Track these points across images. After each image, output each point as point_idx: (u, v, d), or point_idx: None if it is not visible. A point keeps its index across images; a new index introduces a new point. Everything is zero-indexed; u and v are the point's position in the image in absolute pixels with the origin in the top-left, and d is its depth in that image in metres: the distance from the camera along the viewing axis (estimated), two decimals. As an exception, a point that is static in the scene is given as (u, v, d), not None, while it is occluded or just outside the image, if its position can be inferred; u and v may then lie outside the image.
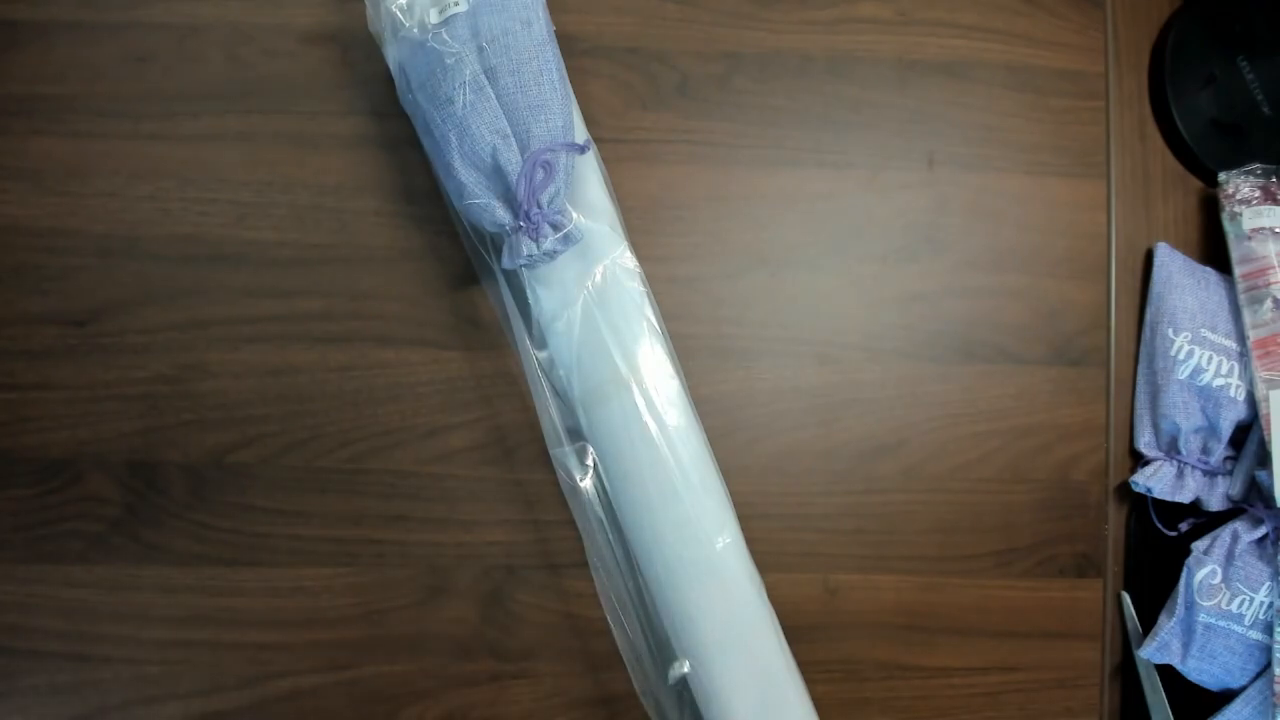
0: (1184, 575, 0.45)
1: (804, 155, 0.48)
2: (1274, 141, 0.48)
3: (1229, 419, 0.45)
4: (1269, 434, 0.44)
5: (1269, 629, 0.43)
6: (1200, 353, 0.46)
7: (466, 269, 0.45)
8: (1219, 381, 0.45)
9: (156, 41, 0.45)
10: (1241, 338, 0.46)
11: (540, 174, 0.39)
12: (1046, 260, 0.48)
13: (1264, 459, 0.44)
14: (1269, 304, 0.45)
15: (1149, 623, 0.46)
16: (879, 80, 0.48)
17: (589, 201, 0.42)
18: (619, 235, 0.42)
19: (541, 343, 0.42)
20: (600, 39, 0.47)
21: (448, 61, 0.39)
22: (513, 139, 0.39)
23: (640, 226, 0.46)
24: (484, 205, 0.39)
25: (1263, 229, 0.46)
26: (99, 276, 0.45)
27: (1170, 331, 0.46)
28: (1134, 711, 0.47)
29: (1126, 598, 0.47)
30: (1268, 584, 0.44)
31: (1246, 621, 0.44)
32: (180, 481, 0.44)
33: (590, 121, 0.45)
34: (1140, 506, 0.48)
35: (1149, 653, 0.45)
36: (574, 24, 0.47)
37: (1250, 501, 0.45)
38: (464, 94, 0.38)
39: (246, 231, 0.45)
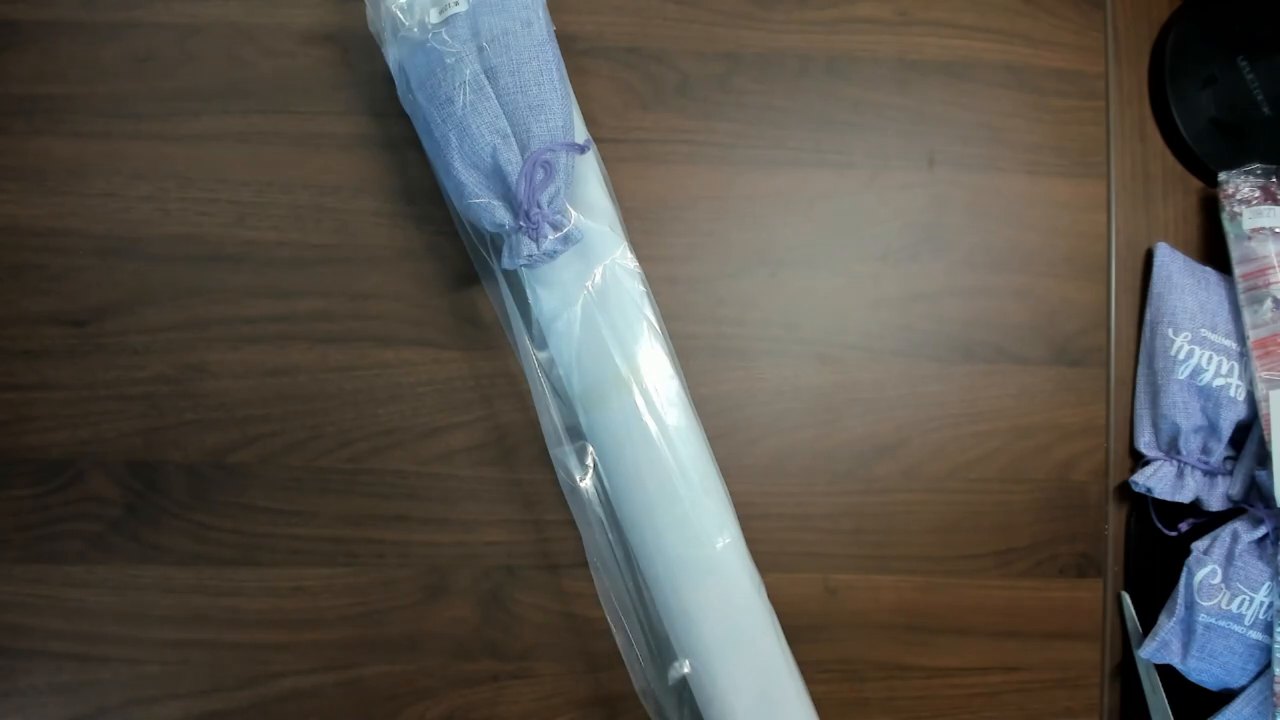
0: (1184, 575, 0.45)
1: (804, 155, 0.48)
2: (1274, 141, 0.48)
3: (1229, 419, 0.45)
4: (1269, 434, 0.44)
5: (1269, 629, 0.43)
6: (1200, 353, 0.46)
7: (466, 269, 0.45)
8: (1219, 381, 0.45)
9: (157, 41, 0.45)
10: (1241, 338, 0.46)
11: (540, 174, 0.39)
12: (1046, 260, 0.48)
13: (1264, 459, 0.44)
14: (1269, 304, 0.45)
15: (1149, 623, 0.46)
16: (879, 80, 0.48)
17: (589, 201, 0.42)
18: (619, 235, 0.42)
19: (541, 343, 0.42)
20: (600, 39, 0.47)
21: (448, 61, 0.39)
22: (513, 139, 0.39)
23: (640, 226, 0.46)
24: (484, 205, 0.39)
25: (1263, 229, 0.46)
26: (99, 276, 0.45)
27: (1170, 331, 0.46)
28: (1134, 711, 0.47)
29: (1126, 598, 0.47)
30: (1268, 584, 0.44)
31: (1246, 621, 0.44)
32: (180, 481, 0.44)
33: (590, 121, 0.45)
34: (1140, 506, 0.48)
35: (1149, 653, 0.45)
36: (574, 24, 0.47)
37: (1250, 501, 0.45)
38: (464, 94, 0.39)
39: (246, 231, 0.45)
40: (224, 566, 0.44)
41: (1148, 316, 0.48)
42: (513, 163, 0.39)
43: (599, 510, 0.41)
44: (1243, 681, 0.44)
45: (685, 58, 0.47)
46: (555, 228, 0.39)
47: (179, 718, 0.44)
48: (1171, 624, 0.45)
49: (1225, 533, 0.45)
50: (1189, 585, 0.44)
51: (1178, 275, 0.47)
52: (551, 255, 0.40)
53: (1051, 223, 0.48)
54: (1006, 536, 0.47)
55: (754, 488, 0.46)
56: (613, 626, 0.41)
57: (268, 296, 0.45)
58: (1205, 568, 0.44)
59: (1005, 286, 0.48)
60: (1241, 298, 0.46)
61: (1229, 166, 0.48)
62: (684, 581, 0.41)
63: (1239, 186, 0.47)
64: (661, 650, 0.42)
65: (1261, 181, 0.47)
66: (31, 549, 0.44)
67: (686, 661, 0.40)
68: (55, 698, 0.44)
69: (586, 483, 0.41)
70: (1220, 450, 0.46)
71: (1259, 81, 0.49)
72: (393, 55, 0.41)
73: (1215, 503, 0.46)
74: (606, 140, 0.46)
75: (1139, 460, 0.48)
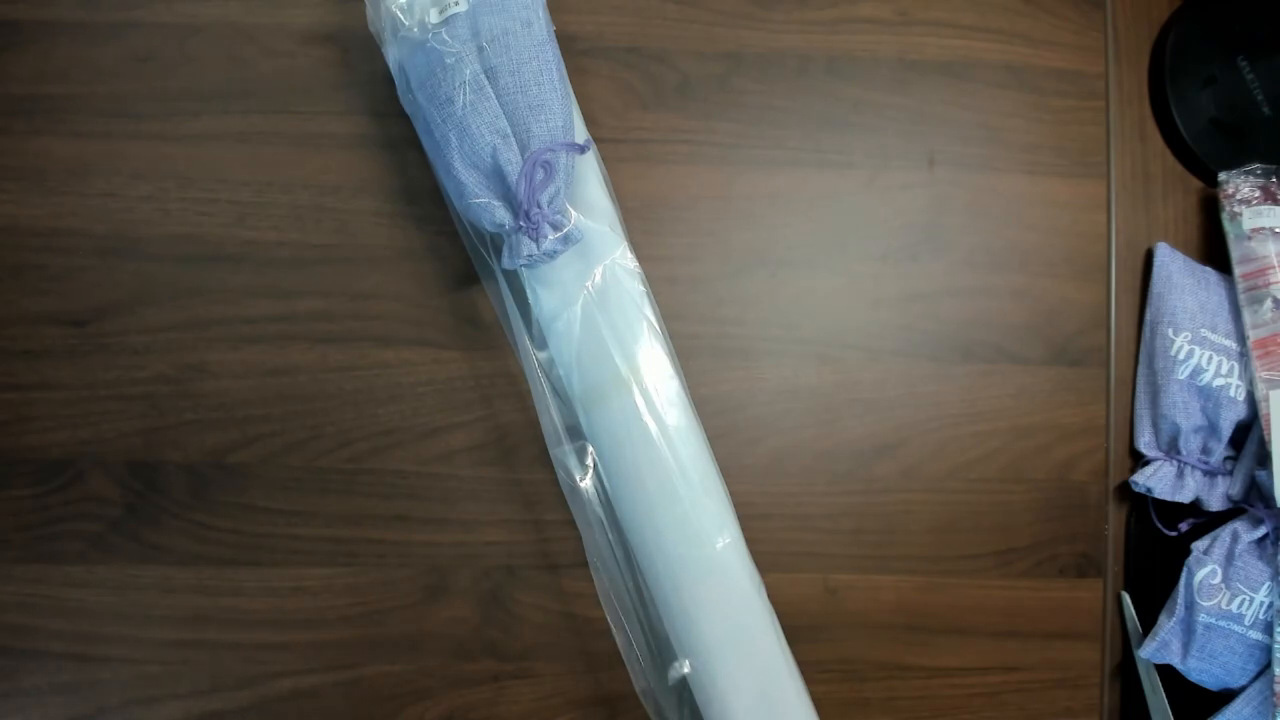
0: (1184, 575, 0.45)
1: (804, 155, 0.48)
2: (1274, 141, 0.48)
3: (1229, 419, 0.45)
4: (1269, 434, 0.44)
5: (1269, 629, 0.43)
6: (1200, 353, 0.46)
7: (466, 269, 0.45)
8: (1219, 381, 0.45)
9: (157, 41, 0.45)
10: (1241, 338, 0.46)
11: (540, 174, 0.39)
12: (1046, 260, 0.48)
13: (1264, 459, 0.44)
14: (1269, 304, 0.45)
15: (1149, 623, 0.46)
16: (879, 80, 0.48)
17: (589, 201, 0.42)
18: (619, 235, 0.42)
19: (541, 343, 0.42)
20: (600, 39, 0.47)
21: (448, 61, 0.39)
22: (513, 139, 0.39)
23: (640, 226, 0.46)
24: (484, 205, 0.39)
25: (1263, 229, 0.46)
26: (99, 276, 0.45)
27: (1170, 331, 0.46)
28: (1134, 711, 0.47)
29: (1126, 598, 0.47)
30: (1268, 584, 0.44)
31: (1246, 621, 0.44)
32: (180, 481, 0.44)
33: (590, 121, 0.45)
34: (1140, 506, 0.48)
35: (1149, 653, 0.45)
36: (574, 24, 0.47)
37: (1250, 501, 0.45)
38: (464, 94, 0.39)
39: (246, 231, 0.45)
40: (224, 566, 0.44)
41: (1148, 316, 0.48)
42: (513, 163, 0.39)
43: (599, 510, 0.41)
44: (1243, 681, 0.44)
45: (685, 58, 0.47)
46: (555, 228, 0.39)
47: (179, 718, 0.44)
48: (1171, 624, 0.45)
49: (1225, 533, 0.45)
50: (1189, 585, 0.44)
51: (1178, 275, 0.47)
52: (551, 255, 0.40)
53: (1051, 223, 0.48)
54: (1006, 536, 0.47)
55: (754, 488, 0.46)
56: (613, 626, 0.41)
57: (268, 296, 0.45)
58: (1205, 568, 0.44)
59: (1005, 286, 0.48)
60: (1241, 298, 0.46)
61: (1229, 166, 0.48)
62: (684, 581, 0.41)
63: (1239, 186, 0.47)
64: (661, 650, 0.42)
65: (1261, 181, 0.47)
66: (31, 549, 0.44)
67: (686, 661, 0.40)
68: (55, 698, 0.44)
69: (586, 483, 0.41)
70: (1220, 450, 0.46)
71: (1259, 81, 0.49)
72: (393, 55, 0.41)
73: (1215, 503, 0.46)
74: (606, 140, 0.46)
75: (1139, 460, 0.48)
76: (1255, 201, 0.46)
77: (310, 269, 0.45)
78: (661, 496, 0.40)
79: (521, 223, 0.39)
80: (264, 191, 0.45)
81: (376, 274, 0.45)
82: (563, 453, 0.41)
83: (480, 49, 0.39)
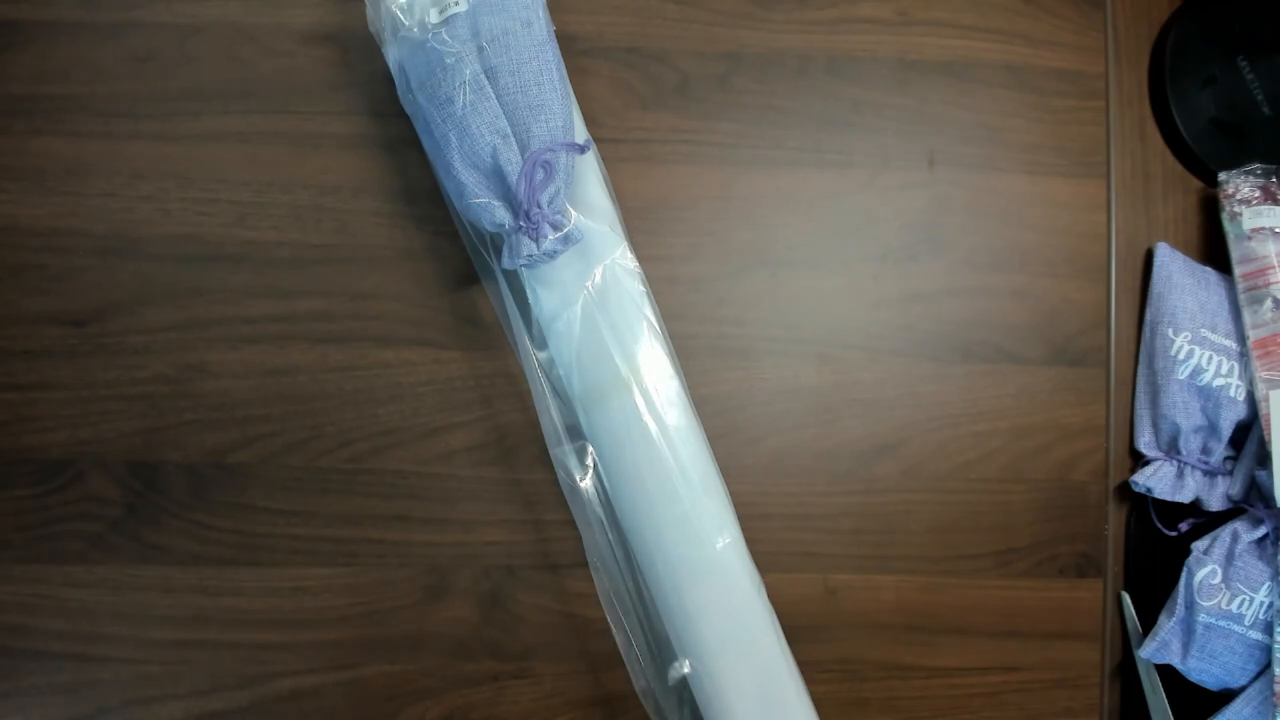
0: (1184, 575, 0.45)
1: (804, 155, 0.48)
2: (1274, 141, 0.48)
3: (1229, 419, 0.45)
4: (1269, 434, 0.44)
5: (1269, 629, 0.43)
6: (1200, 353, 0.46)
7: (466, 269, 0.45)
8: (1219, 381, 0.45)
9: (157, 41, 0.45)
10: (1241, 338, 0.46)
11: (540, 174, 0.39)
12: (1046, 260, 0.48)
13: (1264, 459, 0.44)
14: (1269, 304, 0.45)
15: (1149, 623, 0.46)
16: (879, 80, 0.48)
17: (589, 201, 0.42)
18: (619, 235, 0.42)
19: (541, 343, 0.42)
20: (600, 39, 0.47)
21: (448, 61, 0.39)
22: (513, 139, 0.39)
23: (640, 226, 0.46)
24: (484, 205, 0.39)
25: (1263, 229, 0.46)
26: (99, 276, 0.45)
27: (1170, 331, 0.46)
28: (1134, 711, 0.47)
29: (1126, 598, 0.47)
30: (1268, 584, 0.44)
31: (1246, 621, 0.44)
32: (180, 481, 0.44)
33: (590, 121, 0.45)
34: (1140, 506, 0.48)
35: (1149, 653, 0.45)
36: (574, 24, 0.47)
37: (1250, 501, 0.45)
38: (464, 94, 0.39)
39: (246, 231, 0.45)
40: (224, 566, 0.44)
41: (1148, 316, 0.48)
42: (513, 163, 0.39)
43: (599, 510, 0.41)
44: (1243, 681, 0.44)
45: (685, 58, 0.47)
46: (555, 228, 0.39)
47: (179, 718, 0.44)
48: (1171, 624, 0.45)
49: (1225, 533, 0.45)
50: (1189, 585, 0.44)
51: (1178, 275, 0.47)
52: (551, 255, 0.40)
53: (1051, 223, 0.48)
54: (1006, 536, 0.47)
55: (754, 488, 0.46)
56: (613, 626, 0.41)
57: (268, 296, 0.45)
58: (1205, 568, 0.44)
59: (1005, 286, 0.48)
60: (1241, 298, 0.46)
61: (1229, 166, 0.48)
62: (684, 581, 0.41)
63: (1239, 186, 0.47)
64: (661, 650, 0.42)
65: (1261, 181, 0.47)
66: (31, 549, 0.44)
67: (686, 661, 0.40)
68: (55, 698, 0.44)
69: (586, 483, 0.41)
70: (1220, 450, 0.46)
71: (1259, 81, 0.49)
72: (393, 55, 0.41)
73: (1215, 503, 0.46)
74: (606, 140, 0.46)
75: (1139, 460, 0.48)
76: (1255, 201, 0.46)
77: (310, 269, 0.45)
78: (661, 496, 0.40)
79: (521, 223, 0.39)
80: (264, 191, 0.45)
81: (376, 274, 0.45)
82: (563, 453, 0.41)
83: (480, 49, 0.39)
